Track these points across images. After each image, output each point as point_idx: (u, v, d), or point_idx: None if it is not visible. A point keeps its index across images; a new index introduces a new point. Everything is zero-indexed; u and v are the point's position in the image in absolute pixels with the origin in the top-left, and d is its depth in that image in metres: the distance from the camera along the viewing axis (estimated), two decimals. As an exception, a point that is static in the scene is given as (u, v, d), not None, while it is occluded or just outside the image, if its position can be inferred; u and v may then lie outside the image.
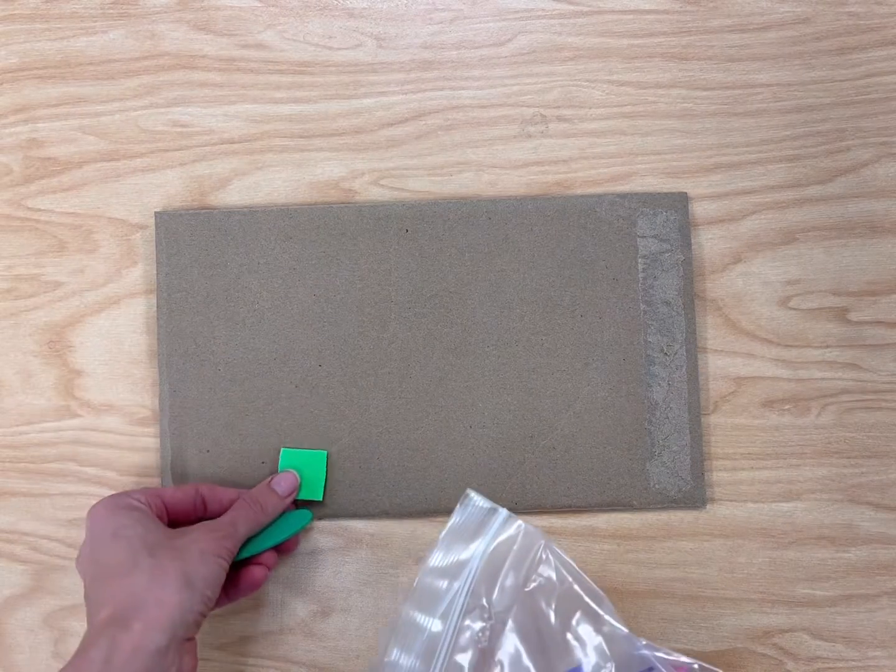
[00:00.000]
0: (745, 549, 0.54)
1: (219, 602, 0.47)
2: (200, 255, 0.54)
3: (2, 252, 0.56)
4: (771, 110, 0.56)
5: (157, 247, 0.54)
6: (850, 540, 0.54)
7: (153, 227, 0.55)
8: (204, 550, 0.44)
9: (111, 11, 0.57)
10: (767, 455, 0.54)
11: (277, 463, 0.53)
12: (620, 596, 0.53)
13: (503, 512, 0.46)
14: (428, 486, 0.53)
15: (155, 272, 0.55)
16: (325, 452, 0.53)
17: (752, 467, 0.54)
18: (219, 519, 0.47)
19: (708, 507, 0.54)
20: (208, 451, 0.53)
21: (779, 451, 0.54)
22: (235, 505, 0.49)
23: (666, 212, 0.55)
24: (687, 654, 0.52)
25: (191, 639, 0.44)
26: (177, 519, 0.49)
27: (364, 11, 0.57)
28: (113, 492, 0.54)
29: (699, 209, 0.56)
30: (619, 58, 0.57)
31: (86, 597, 0.45)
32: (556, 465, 0.53)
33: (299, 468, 0.53)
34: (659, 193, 0.55)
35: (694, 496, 0.53)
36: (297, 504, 0.53)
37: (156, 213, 0.55)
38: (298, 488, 0.52)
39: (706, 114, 0.56)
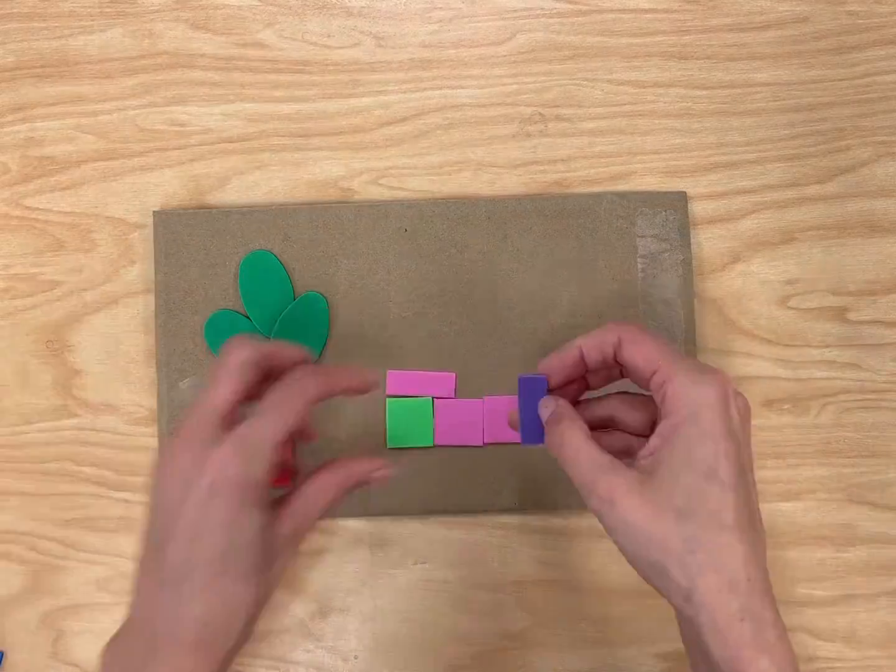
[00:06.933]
0: (744, 548, 0.54)
1: None
2: (199, 254, 0.54)
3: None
4: (770, 109, 0.56)
5: (155, 246, 0.54)
6: (850, 540, 0.54)
7: (151, 227, 0.55)
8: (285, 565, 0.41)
9: (109, 10, 0.57)
10: (767, 455, 0.54)
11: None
12: (620, 596, 0.53)
13: None
14: (428, 486, 0.53)
15: (153, 271, 0.54)
16: (431, 399, 0.53)
17: (751, 467, 0.54)
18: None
19: (707, 506, 0.54)
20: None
21: (778, 450, 0.54)
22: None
23: (665, 211, 0.55)
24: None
25: None
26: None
27: (363, 10, 0.57)
28: (111, 492, 0.54)
29: (698, 209, 0.56)
30: (618, 57, 0.57)
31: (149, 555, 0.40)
32: (556, 465, 0.53)
33: (406, 416, 0.53)
34: (658, 193, 0.55)
35: (693, 496, 0.53)
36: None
37: (154, 212, 0.55)
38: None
39: (705, 113, 0.56)
